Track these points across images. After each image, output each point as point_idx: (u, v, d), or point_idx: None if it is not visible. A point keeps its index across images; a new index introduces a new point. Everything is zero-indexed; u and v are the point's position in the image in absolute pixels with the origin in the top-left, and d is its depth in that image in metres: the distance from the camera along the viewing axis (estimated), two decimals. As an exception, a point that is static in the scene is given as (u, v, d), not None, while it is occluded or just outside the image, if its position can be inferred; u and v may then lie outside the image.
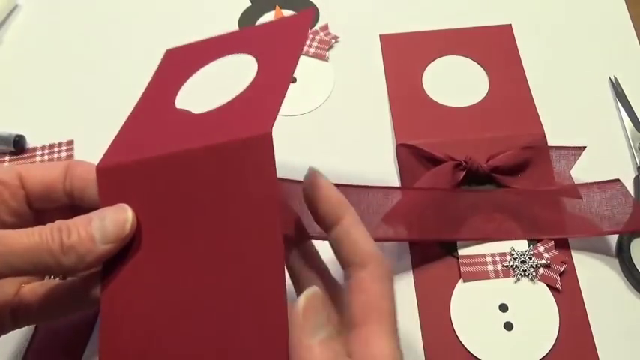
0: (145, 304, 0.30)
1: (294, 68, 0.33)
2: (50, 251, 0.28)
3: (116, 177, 0.32)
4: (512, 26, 0.52)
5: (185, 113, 0.36)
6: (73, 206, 0.32)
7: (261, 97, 0.33)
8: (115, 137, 0.35)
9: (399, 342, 0.29)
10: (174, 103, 0.36)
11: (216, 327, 0.29)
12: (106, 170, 0.32)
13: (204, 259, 0.30)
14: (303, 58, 0.51)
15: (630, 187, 0.45)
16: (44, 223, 0.29)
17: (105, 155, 0.33)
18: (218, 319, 0.29)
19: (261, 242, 0.29)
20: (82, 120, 0.49)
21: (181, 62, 0.40)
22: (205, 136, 0.31)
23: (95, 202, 0.31)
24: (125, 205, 0.30)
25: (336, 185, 0.33)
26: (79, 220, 0.29)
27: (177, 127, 0.34)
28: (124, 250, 0.31)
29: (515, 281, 0.41)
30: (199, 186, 0.30)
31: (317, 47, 0.51)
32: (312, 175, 0.32)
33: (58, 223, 0.29)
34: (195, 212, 0.31)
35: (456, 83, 0.49)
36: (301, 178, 0.45)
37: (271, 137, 0.28)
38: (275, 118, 0.29)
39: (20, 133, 0.47)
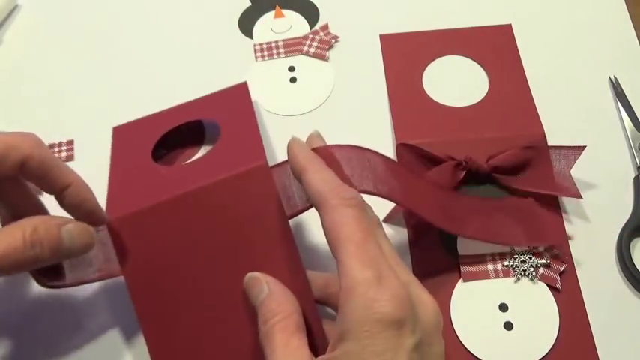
0: (186, 322, 0.35)
1: (255, 118, 0.40)
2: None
3: (130, 224, 0.36)
4: (512, 26, 0.52)
5: (168, 168, 0.41)
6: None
7: (239, 142, 0.39)
8: (107, 199, 0.38)
9: (380, 262, 0.29)
10: (149, 163, 0.41)
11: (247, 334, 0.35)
12: (120, 220, 0.36)
13: (229, 274, 0.35)
14: (303, 58, 0.51)
15: (630, 187, 0.45)
16: None
17: (107, 211, 0.36)
18: (248, 327, 0.35)
19: (277, 253, 0.35)
20: (82, 120, 0.49)
21: (136, 135, 0.44)
22: (205, 176, 0.36)
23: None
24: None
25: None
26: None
27: (168, 178, 0.38)
28: (159, 285, 0.36)
29: (515, 281, 0.41)
30: (212, 216, 0.35)
31: (317, 47, 0.51)
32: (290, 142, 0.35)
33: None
34: (213, 238, 0.35)
35: (456, 83, 0.49)
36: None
37: (267, 165, 0.35)
38: (263, 151, 0.36)
39: (20, 133, 0.47)
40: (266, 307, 0.33)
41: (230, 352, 0.36)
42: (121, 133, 0.45)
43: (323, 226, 0.31)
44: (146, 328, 0.36)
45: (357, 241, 0.30)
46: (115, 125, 0.45)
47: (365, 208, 0.31)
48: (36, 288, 0.41)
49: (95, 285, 0.41)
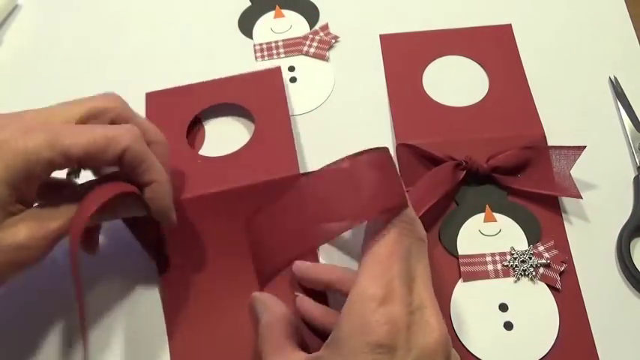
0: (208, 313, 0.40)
1: (288, 112, 0.46)
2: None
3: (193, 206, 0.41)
4: (512, 26, 0.52)
5: (204, 157, 0.45)
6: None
7: (274, 141, 0.44)
8: None
9: (396, 284, 0.29)
10: (185, 146, 0.45)
11: None
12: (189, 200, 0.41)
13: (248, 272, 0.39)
14: (303, 58, 0.51)
15: (630, 187, 0.45)
16: None
17: None
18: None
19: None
20: (82, 120, 0.49)
21: (169, 108, 0.47)
22: (242, 175, 0.42)
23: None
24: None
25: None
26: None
27: (205, 169, 0.43)
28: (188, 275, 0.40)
29: (515, 281, 0.41)
30: (241, 215, 0.40)
31: (317, 47, 0.51)
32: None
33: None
34: (239, 236, 0.40)
35: (456, 83, 0.49)
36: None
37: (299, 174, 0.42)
38: (296, 157, 0.43)
39: (20, 133, 0.47)
40: (265, 319, 0.35)
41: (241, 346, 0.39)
42: (154, 101, 0.47)
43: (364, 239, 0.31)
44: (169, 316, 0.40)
45: (380, 257, 0.30)
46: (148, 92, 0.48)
47: (408, 227, 0.31)
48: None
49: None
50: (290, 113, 0.48)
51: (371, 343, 0.28)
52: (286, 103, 0.47)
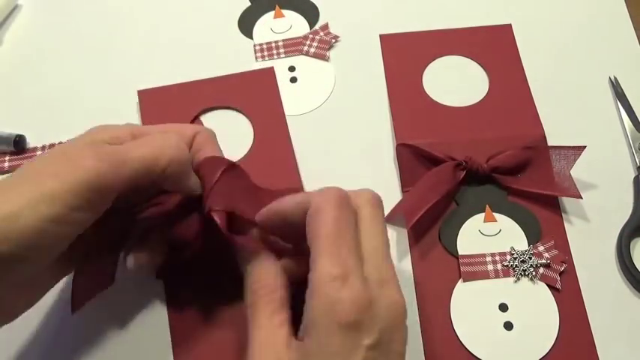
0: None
1: (284, 117, 0.47)
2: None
3: None
4: (512, 26, 0.52)
5: None
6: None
7: (273, 150, 0.46)
8: None
9: (350, 260, 0.30)
10: None
11: None
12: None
13: None
14: (303, 58, 0.51)
15: (630, 187, 0.45)
16: None
17: None
18: None
19: None
20: (82, 120, 0.49)
21: (164, 107, 0.48)
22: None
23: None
24: None
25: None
26: None
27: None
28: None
29: (515, 281, 0.41)
30: None
31: (317, 47, 0.51)
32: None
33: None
34: None
35: (456, 83, 0.49)
36: (302, 179, 0.45)
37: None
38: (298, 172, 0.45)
39: (20, 133, 0.47)
40: (253, 277, 0.34)
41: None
42: (147, 99, 0.47)
43: (307, 213, 0.32)
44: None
45: (330, 239, 0.30)
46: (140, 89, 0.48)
47: (345, 204, 0.32)
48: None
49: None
50: (290, 113, 0.48)
51: (340, 321, 0.29)
52: (282, 105, 0.48)
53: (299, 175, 0.45)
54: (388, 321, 0.30)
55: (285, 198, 0.34)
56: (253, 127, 0.47)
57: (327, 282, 0.29)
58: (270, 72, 0.50)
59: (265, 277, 0.34)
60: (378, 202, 0.34)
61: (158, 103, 0.47)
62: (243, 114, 0.48)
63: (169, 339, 0.40)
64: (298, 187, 0.44)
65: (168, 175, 0.33)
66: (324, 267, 0.30)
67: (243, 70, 0.50)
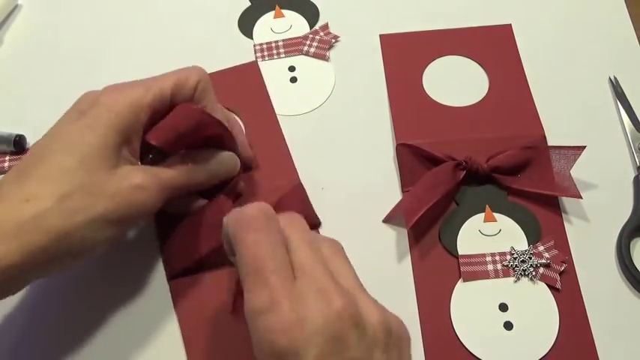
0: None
1: (275, 114, 0.48)
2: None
3: None
4: (512, 26, 0.52)
5: None
6: None
7: (270, 153, 0.46)
8: None
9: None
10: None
11: None
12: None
13: None
14: (303, 58, 0.51)
15: (630, 187, 0.45)
16: None
17: None
18: None
19: None
20: (82, 120, 0.49)
21: None
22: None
23: None
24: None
25: None
26: None
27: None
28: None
29: (515, 281, 0.41)
30: None
31: (317, 47, 0.51)
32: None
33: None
34: None
35: (456, 83, 0.49)
36: (302, 179, 0.45)
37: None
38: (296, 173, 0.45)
39: (20, 133, 0.47)
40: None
41: None
42: None
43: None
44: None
45: (251, 270, 0.30)
46: None
47: (262, 225, 0.31)
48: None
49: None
50: (290, 113, 0.48)
51: (276, 354, 0.28)
52: (269, 100, 0.49)
53: (294, 166, 0.45)
54: (327, 332, 0.28)
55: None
56: (244, 123, 0.47)
57: (255, 315, 0.29)
58: (254, 67, 0.50)
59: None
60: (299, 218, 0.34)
61: None
62: (232, 110, 0.47)
63: (182, 343, 0.40)
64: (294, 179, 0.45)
65: (200, 92, 0.38)
66: (250, 302, 0.29)
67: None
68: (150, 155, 0.40)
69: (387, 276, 0.41)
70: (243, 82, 0.49)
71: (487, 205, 0.44)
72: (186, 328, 0.40)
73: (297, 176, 0.45)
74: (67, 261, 0.34)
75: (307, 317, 0.28)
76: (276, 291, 0.29)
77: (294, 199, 0.43)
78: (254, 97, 0.49)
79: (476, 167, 0.44)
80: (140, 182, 0.35)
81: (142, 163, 0.39)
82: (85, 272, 0.41)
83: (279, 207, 0.40)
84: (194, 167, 0.38)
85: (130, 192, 0.35)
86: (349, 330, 0.29)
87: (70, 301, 0.41)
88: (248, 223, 0.31)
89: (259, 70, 0.50)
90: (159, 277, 0.41)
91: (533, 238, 0.42)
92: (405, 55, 0.51)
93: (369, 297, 0.31)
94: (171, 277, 0.41)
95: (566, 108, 0.48)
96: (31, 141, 0.48)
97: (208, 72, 0.49)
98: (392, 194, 0.45)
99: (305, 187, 0.44)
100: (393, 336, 0.30)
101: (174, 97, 0.38)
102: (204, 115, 0.37)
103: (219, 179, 0.40)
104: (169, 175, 0.37)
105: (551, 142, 0.45)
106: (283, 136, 0.47)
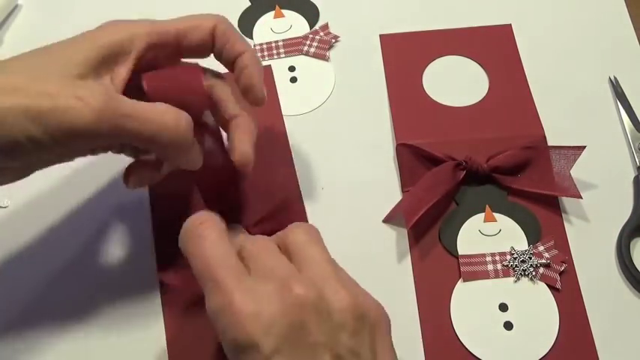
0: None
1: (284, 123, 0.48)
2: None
3: None
4: (512, 26, 0.52)
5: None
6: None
7: (273, 161, 0.46)
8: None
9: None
10: None
11: None
12: None
13: None
14: (303, 58, 0.51)
15: (630, 187, 0.45)
16: None
17: None
18: None
19: None
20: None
21: None
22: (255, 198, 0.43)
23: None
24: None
25: None
26: None
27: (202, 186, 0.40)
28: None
29: (515, 281, 0.41)
30: None
31: (317, 47, 0.51)
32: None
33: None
34: None
35: (456, 83, 0.49)
36: (302, 179, 0.45)
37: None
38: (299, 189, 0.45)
39: (20, 133, 0.47)
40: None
41: None
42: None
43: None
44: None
45: (204, 272, 0.31)
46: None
47: (210, 232, 0.32)
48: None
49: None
50: (290, 113, 0.48)
51: (237, 347, 0.29)
52: (279, 103, 0.48)
53: (295, 172, 0.45)
54: (284, 321, 0.29)
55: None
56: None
57: (215, 319, 0.30)
58: (267, 70, 0.50)
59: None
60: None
61: None
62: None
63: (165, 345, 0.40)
64: (294, 181, 0.45)
65: (220, 37, 0.36)
66: (208, 304, 0.30)
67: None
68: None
69: (387, 276, 0.41)
70: None
71: (487, 205, 0.44)
72: (171, 331, 0.40)
73: (297, 185, 0.45)
74: None
75: (262, 309, 0.29)
76: (228, 289, 0.30)
77: (290, 210, 0.43)
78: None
79: (476, 167, 0.44)
80: (82, 94, 0.29)
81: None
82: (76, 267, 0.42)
83: (273, 216, 0.41)
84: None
85: (67, 100, 0.29)
86: (310, 316, 0.29)
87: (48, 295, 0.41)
88: (191, 234, 0.32)
89: (272, 75, 0.50)
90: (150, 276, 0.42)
91: (533, 238, 0.42)
92: (405, 55, 0.51)
93: (343, 283, 0.31)
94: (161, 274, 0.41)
95: (566, 108, 0.48)
96: (31, 141, 0.48)
97: (208, 72, 0.50)
98: (392, 194, 0.45)
99: (305, 187, 0.44)
100: (366, 320, 0.31)
101: (180, 39, 0.36)
102: (199, 91, 0.35)
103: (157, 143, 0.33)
104: (126, 109, 0.31)
105: (551, 142, 0.45)
106: (289, 142, 0.46)
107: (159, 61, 0.35)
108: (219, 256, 0.31)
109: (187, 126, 0.32)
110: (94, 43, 0.33)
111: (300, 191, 0.44)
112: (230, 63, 0.37)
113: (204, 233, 0.32)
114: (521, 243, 0.42)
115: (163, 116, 0.31)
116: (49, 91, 0.29)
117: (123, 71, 0.33)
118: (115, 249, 0.42)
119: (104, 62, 0.32)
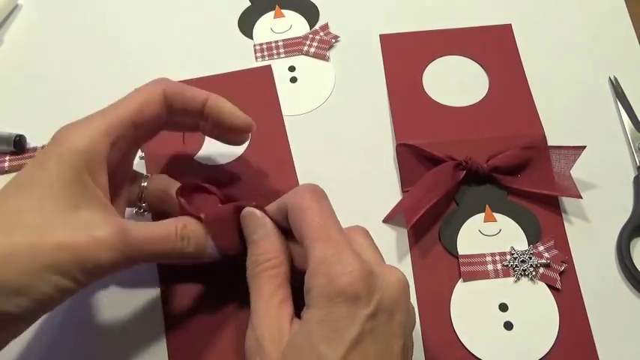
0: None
1: (284, 123, 0.48)
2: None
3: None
4: (512, 26, 0.52)
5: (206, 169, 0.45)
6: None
7: (273, 159, 0.46)
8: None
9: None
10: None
11: None
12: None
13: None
14: (303, 58, 0.51)
15: (630, 187, 0.45)
16: None
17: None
18: None
19: None
20: (82, 120, 0.49)
21: None
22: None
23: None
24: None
25: None
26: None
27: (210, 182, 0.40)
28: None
29: (515, 281, 0.41)
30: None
31: (317, 47, 0.51)
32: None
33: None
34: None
35: (456, 83, 0.49)
36: (302, 179, 0.45)
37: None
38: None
39: (20, 133, 0.47)
40: (259, 249, 0.34)
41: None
42: None
43: (288, 214, 0.34)
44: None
45: (317, 228, 0.32)
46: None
47: (321, 196, 0.34)
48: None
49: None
50: (290, 113, 0.48)
51: (342, 292, 0.30)
52: (279, 103, 0.48)
53: (295, 172, 0.45)
54: (387, 293, 0.31)
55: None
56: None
57: (323, 262, 0.31)
58: (267, 70, 0.50)
59: (272, 249, 0.34)
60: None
61: None
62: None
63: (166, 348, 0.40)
64: (294, 181, 0.45)
65: (171, 99, 0.37)
66: (318, 252, 0.31)
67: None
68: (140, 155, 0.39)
69: (387, 276, 0.41)
70: (256, 85, 0.49)
71: (487, 205, 0.44)
72: (172, 339, 0.40)
73: (297, 185, 0.45)
74: (10, 319, 0.30)
75: (370, 274, 0.31)
76: (341, 245, 0.32)
77: None
78: (264, 101, 0.48)
79: (476, 167, 0.44)
80: (102, 236, 0.30)
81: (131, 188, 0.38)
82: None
83: None
84: (181, 233, 0.35)
85: (87, 245, 0.30)
86: (401, 297, 0.32)
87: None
88: (309, 195, 0.34)
89: (272, 75, 0.50)
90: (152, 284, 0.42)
91: (533, 238, 0.42)
92: (405, 55, 0.51)
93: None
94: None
95: (566, 108, 0.48)
96: (31, 141, 0.48)
97: (209, 72, 0.50)
98: (392, 194, 0.45)
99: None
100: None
101: (137, 118, 0.35)
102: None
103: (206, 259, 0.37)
104: (142, 234, 0.33)
105: (551, 142, 0.45)
106: (288, 143, 0.47)
107: (123, 148, 0.36)
108: (335, 219, 0.34)
109: (192, 232, 0.35)
110: (63, 165, 0.32)
111: None
112: (198, 113, 0.38)
113: (322, 196, 0.34)
114: (521, 243, 0.42)
115: (168, 232, 0.34)
116: (63, 242, 0.30)
117: (102, 178, 0.33)
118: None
119: (82, 180, 0.32)
